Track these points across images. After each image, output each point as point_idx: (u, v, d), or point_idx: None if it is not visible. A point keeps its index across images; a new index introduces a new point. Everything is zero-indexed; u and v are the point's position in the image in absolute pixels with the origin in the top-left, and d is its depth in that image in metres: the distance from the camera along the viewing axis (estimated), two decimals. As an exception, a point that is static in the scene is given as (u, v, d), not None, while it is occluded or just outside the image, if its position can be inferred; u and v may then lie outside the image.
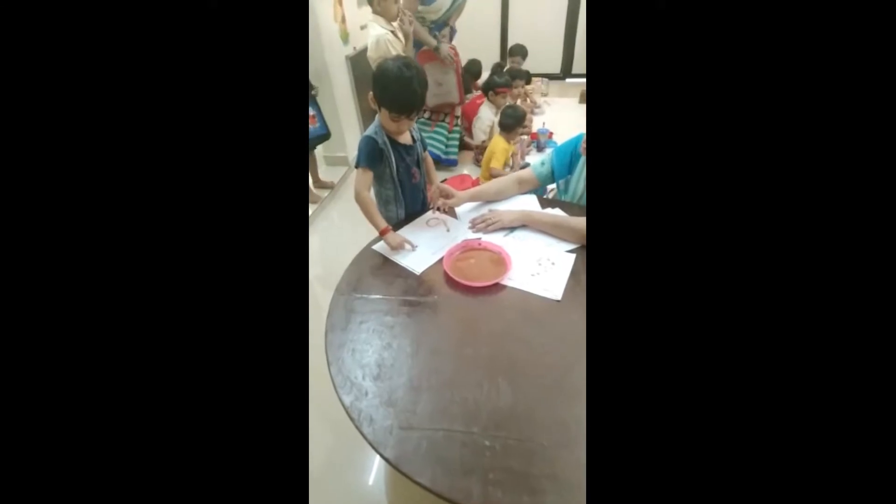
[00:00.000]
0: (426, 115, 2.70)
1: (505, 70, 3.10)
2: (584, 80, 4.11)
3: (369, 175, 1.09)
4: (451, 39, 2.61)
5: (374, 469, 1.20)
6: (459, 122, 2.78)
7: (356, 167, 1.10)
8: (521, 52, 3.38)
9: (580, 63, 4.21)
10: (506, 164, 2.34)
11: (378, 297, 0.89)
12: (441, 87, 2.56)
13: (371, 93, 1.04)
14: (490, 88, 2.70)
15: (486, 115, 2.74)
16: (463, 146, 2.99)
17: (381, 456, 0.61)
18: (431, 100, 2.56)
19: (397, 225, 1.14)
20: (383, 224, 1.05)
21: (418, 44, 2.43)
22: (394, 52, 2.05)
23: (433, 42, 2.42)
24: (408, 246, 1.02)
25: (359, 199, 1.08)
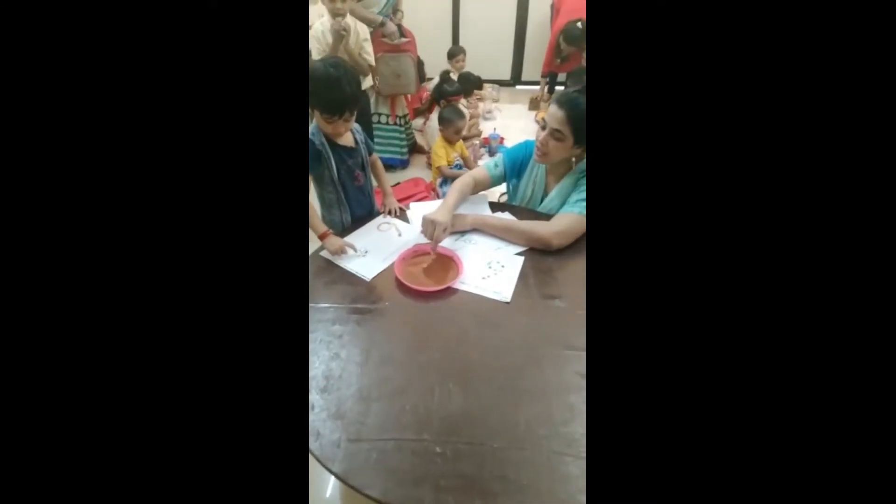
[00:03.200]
0: (383, 118, 2.67)
1: (458, 76, 3.11)
2: (534, 87, 4.24)
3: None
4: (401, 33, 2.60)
5: (331, 482, 1.15)
6: (407, 118, 2.76)
7: None
8: (460, 51, 3.27)
9: (530, 70, 4.34)
10: (450, 165, 2.36)
11: (325, 305, 0.86)
12: (399, 78, 2.52)
13: None
14: (442, 97, 2.71)
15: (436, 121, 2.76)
16: (416, 150, 2.99)
17: (329, 471, 0.59)
18: (387, 90, 2.53)
19: (346, 230, 1.11)
20: (322, 228, 1.02)
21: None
22: (317, 46, 1.95)
23: (377, 18, 2.35)
24: (349, 250, 1.00)
25: None
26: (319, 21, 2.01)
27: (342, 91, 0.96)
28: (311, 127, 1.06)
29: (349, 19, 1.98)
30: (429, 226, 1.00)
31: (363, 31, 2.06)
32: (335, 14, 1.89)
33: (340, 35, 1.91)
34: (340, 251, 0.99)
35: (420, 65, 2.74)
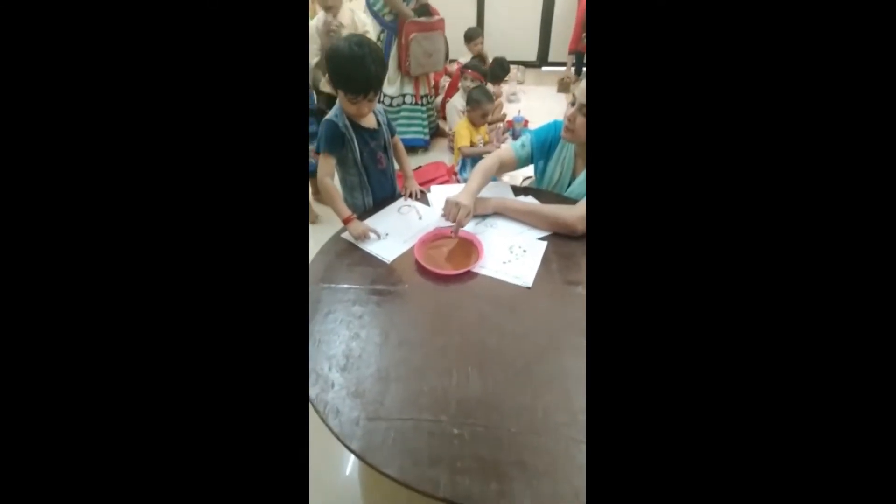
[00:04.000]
0: (408, 98, 2.66)
1: (492, 61, 3.02)
2: (560, 68, 4.10)
3: (331, 161, 1.06)
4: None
5: (351, 461, 1.19)
6: (430, 96, 2.75)
7: (317, 153, 1.06)
8: (478, 33, 3.15)
9: (556, 51, 4.20)
10: (473, 145, 2.33)
11: (346, 286, 0.87)
12: (431, 57, 2.53)
13: (327, 75, 1.01)
14: (465, 68, 2.69)
15: (459, 101, 2.72)
16: (438, 133, 2.96)
17: (348, 448, 0.60)
18: (417, 69, 2.55)
19: (367, 213, 1.11)
20: (347, 212, 1.02)
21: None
22: (311, 46, 1.87)
23: (409, 13, 2.40)
24: (372, 235, 1.00)
25: (321, 186, 1.05)
26: (316, 17, 1.92)
27: (367, 70, 0.95)
28: (335, 109, 1.06)
29: (346, 13, 1.86)
30: (452, 208, 0.99)
31: (362, 24, 1.97)
32: (325, 7, 1.77)
33: (329, 35, 1.80)
34: (364, 236, 0.99)
35: (446, 43, 2.73)
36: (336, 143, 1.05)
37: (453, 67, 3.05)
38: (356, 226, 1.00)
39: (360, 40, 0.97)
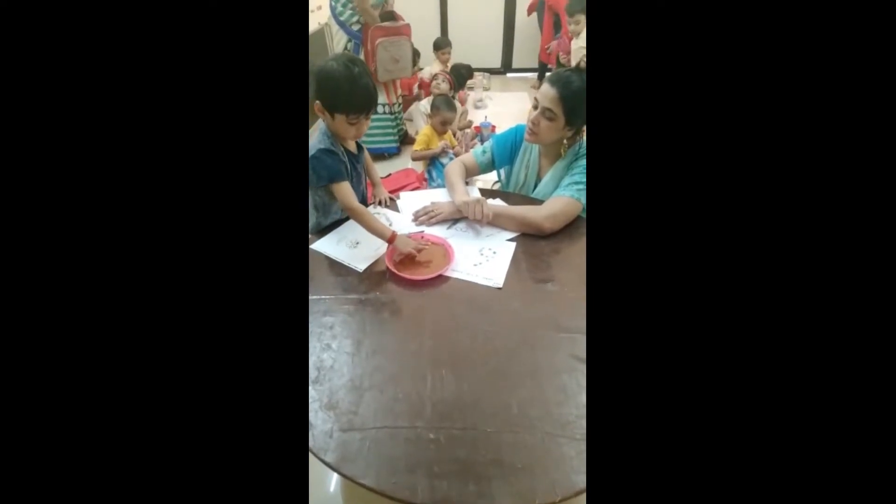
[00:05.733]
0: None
1: (450, 69, 3.07)
2: (525, 74, 4.19)
3: (346, 186, 1.00)
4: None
5: (334, 478, 1.16)
6: (399, 103, 2.78)
7: (325, 185, 1.00)
8: (446, 43, 3.21)
9: (520, 57, 4.29)
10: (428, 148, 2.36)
11: (315, 297, 0.86)
12: (398, 63, 2.53)
13: (317, 103, 0.95)
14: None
15: (425, 105, 2.75)
16: (407, 140, 2.97)
17: (322, 460, 0.58)
18: (385, 75, 2.54)
19: (336, 224, 1.09)
20: (389, 231, 0.95)
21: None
22: None
23: (376, 16, 2.43)
24: (415, 246, 0.95)
25: (353, 214, 0.99)
26: None
27: (366, 86, 0.92)
28: (326, 139, 0.99)
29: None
30: (476, 206, 1.01)
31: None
32: None
33: None
34: (412, 247, 0.94)
35: (415, 52, 2.76)
36: (343, 169, 1.01)
37: (425, 73, 3.08)
38: (403, 241, 0.95)
39: (349, 57, 0.94)
